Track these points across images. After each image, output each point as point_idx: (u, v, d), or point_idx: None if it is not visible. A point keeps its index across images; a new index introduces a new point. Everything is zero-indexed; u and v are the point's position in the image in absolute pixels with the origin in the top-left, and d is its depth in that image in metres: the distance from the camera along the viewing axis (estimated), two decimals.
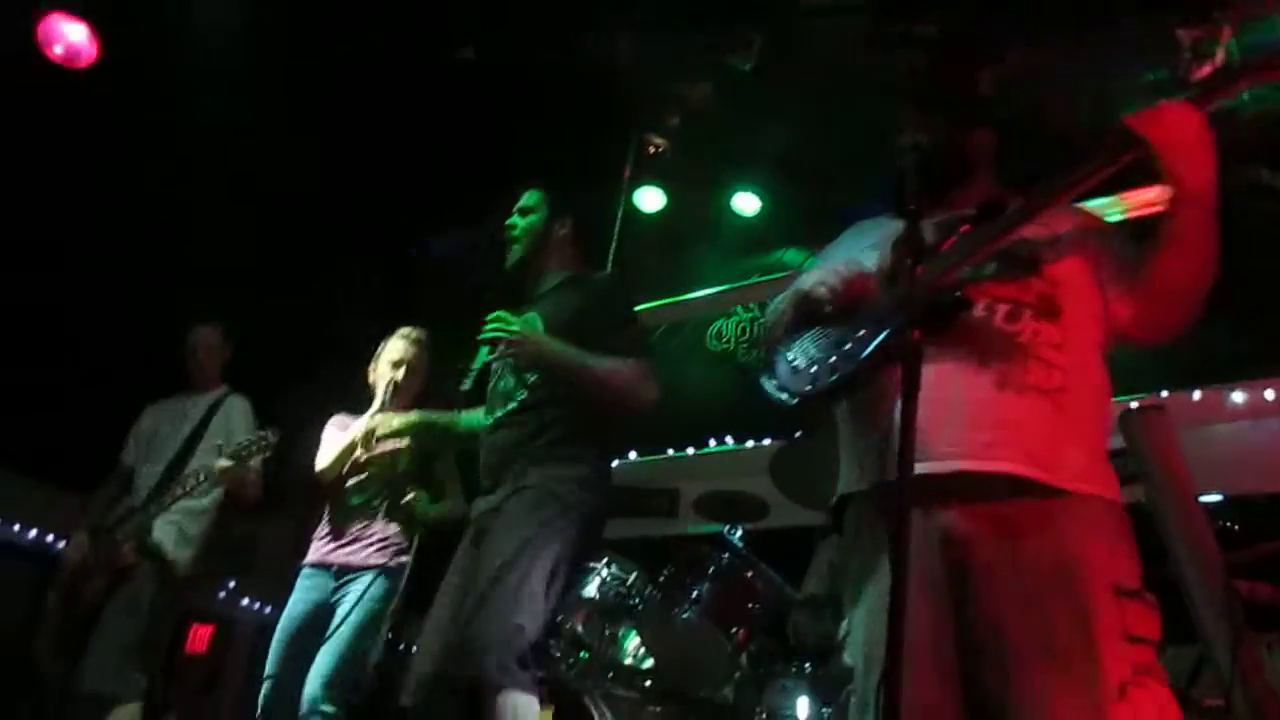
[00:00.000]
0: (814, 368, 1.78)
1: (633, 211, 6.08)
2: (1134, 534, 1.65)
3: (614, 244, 6.08)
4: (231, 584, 7.62)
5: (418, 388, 3.82)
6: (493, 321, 2.65)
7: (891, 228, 1.87)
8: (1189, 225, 1.65)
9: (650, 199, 6.06)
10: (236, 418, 4.11)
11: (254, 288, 5.42)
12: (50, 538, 7.29)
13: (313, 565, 3.60)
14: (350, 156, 5.48)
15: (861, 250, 1.93)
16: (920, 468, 1.51)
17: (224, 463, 3.72)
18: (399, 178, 5.71)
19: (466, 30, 4.80)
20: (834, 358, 1.75)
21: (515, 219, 3.11)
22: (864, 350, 1.70)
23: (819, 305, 1.82)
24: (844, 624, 1.75)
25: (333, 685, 3.26)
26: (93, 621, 3.65)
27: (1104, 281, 1.77)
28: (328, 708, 3.22)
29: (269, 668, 3.41)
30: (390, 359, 3.79)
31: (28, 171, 5.04)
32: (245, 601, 7.50)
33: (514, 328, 2.64)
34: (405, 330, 3.88)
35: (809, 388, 1.76)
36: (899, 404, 1.56)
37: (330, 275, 6.13)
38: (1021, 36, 3.95)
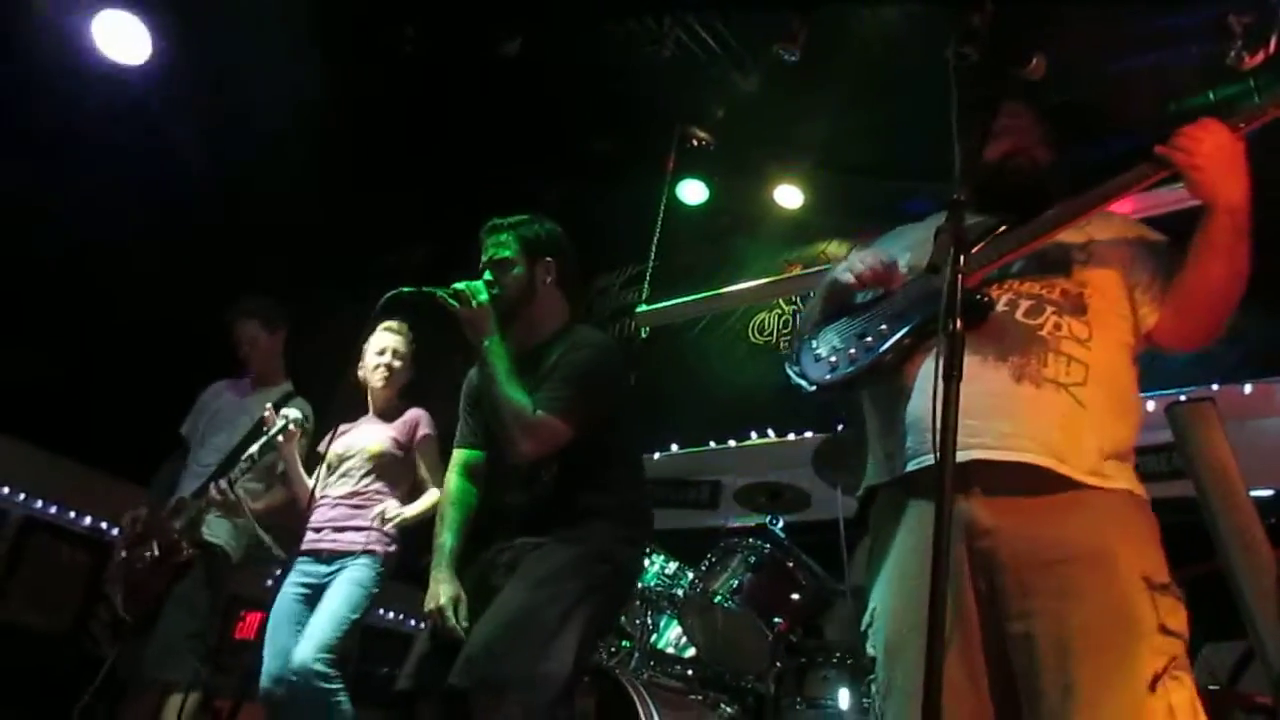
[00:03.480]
0: (834, 357, 1.80)
1: (675, 204, 6.12)
2: (1160, 530, 1.66)
3: (656, 237, 6.12)
4: (278, 572, 7.77)
5: (405, 378, 3.93)
6: (463, 286, 2.54)
7: (927, 230, 1.88)
8: (1220, 233, 1.69)
9: (693, 191, 6.09)
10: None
11: (304, 285, 5.46)
12: (105, 525, 7.47)
13: (304, 553, 3.63)
14: (392, 151, 5.54)
15: (898, 251, 1.93)
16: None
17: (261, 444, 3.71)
18: (443, 171, 5.76)
19: (513, 23, 4.81)
20: (853, 348, 1.77)
21: (491, 275, 2.67)
22: (884, 344, 1.72)
23: (846, 292, 1.86)
24: (866, 615, 1.76)
25: (325, 649, 3.27)
26: (154, 612, 3.71)
27: (1134, 287, 1.80)
28: (321, 668, 3.22)
29: (265, 659, 3.39)
30: (375, 349, 3.88)
31: (88, 167, 5.16)
32: None
33: (476, 297, 2.52)
34: (387, 324, 3.90)
35: (827, 376, 1.79)
36: (916, 399, 1.58)
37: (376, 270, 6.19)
38: (1075, 23, 3.90)
